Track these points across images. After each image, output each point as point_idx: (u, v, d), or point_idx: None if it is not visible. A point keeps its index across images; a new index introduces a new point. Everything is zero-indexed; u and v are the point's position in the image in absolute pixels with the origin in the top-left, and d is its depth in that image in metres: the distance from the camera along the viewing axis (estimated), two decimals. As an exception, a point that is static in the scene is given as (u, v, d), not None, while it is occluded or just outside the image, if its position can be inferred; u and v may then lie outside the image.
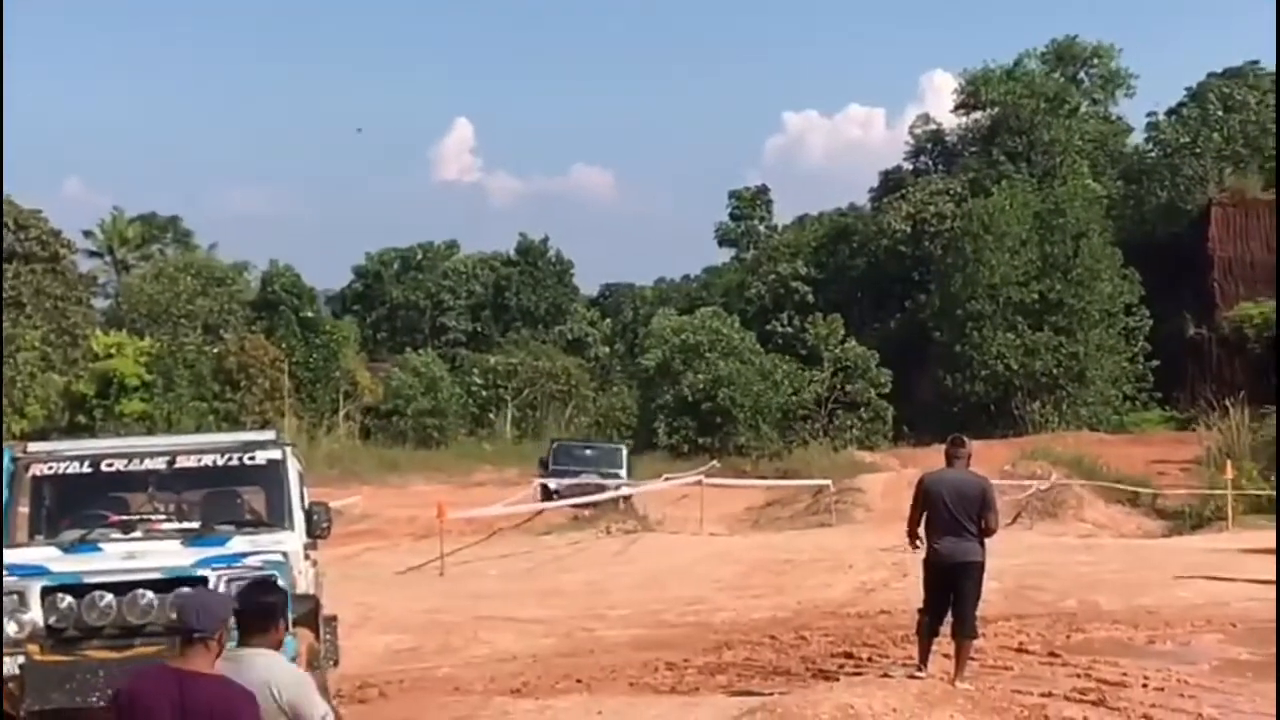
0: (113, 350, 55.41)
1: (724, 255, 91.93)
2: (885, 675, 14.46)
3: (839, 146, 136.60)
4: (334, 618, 12.91)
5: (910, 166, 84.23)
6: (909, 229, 74.12)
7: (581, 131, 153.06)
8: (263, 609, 7.12)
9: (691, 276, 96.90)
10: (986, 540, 13.79)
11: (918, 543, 14.06)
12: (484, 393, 69.90)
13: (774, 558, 28.26)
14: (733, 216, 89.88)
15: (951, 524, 13.58)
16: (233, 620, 6.66)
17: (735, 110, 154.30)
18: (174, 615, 6.92)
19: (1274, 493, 36.24)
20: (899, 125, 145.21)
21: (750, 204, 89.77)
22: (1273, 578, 19.73)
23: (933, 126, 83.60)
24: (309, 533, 12.08)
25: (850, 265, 77.20)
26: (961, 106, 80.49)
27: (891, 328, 72.91)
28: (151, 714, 6.27)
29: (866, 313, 74.01)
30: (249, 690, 6.54)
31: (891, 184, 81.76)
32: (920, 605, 14.11)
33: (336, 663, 12.82)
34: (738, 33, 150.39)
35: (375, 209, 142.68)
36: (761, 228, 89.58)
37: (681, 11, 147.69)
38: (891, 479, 41.09)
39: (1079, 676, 14.38)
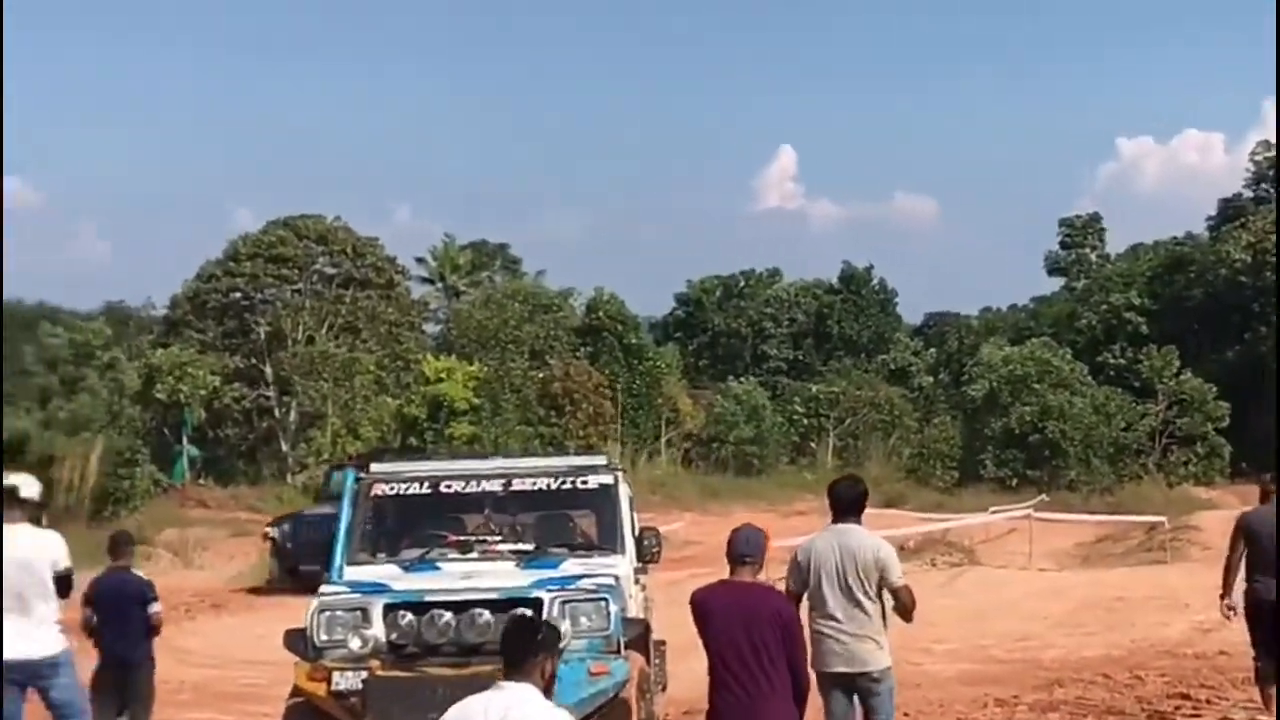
0: (443, 375, 56.73)
1: (1053, 284, 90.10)
2: (1225, 719, 13.97)
3: (1175, 173, 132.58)
4: (663, 642, 12.96)
5: (1251, 194, 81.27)
6: (1249, 259, 71.45)
7: (904, 158, 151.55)
8: (854, 496, 10.29)
9: (1019, 306, 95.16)
10: None
11: (1230, 608, 13.57)
12: (805, 421, 69.77)
13: (1105, 595, 27.56)
14: (1063, 245, 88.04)
15: (1272, 563, 13.13)
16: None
17: (1065, 136, 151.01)
18: (730, 544, 8.94)
19: None
20: (1239, 151, 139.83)
21: (1082, 232, 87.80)
22: None
23: (1275, 153, 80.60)
24: (639, 557, 12.15)
25: (1186, 296, 74.85)
26: (1307, 131, 77.53)
27: (1230, 360, 70.41)
28: (725, 611, 8.59)
29: (1203, 345, 71.61)
30: (780, 591, 9.32)
31: (1231, 212, 79.07)
32: (1253, 653, 13.60)
33: (665, 687, 12.86)
34: (1069, 57, 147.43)
35: (698, 237, 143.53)
36: (1093, 256, 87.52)
37: (1009, 36, 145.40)
38: (1229, 516, 39.64)
39: None
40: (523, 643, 6.39)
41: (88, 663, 12.42)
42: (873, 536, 10.28)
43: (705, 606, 8.74)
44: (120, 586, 13.07)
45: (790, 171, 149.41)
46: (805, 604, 9.96)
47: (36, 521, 10.84)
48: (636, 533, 12.31)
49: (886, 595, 10.02)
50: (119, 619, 12.85)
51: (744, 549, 8.85)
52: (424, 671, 10.24)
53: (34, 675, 10.51)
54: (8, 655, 10.41)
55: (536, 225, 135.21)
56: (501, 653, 6.44)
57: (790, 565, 10.17)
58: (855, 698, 10.08)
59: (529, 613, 9.93)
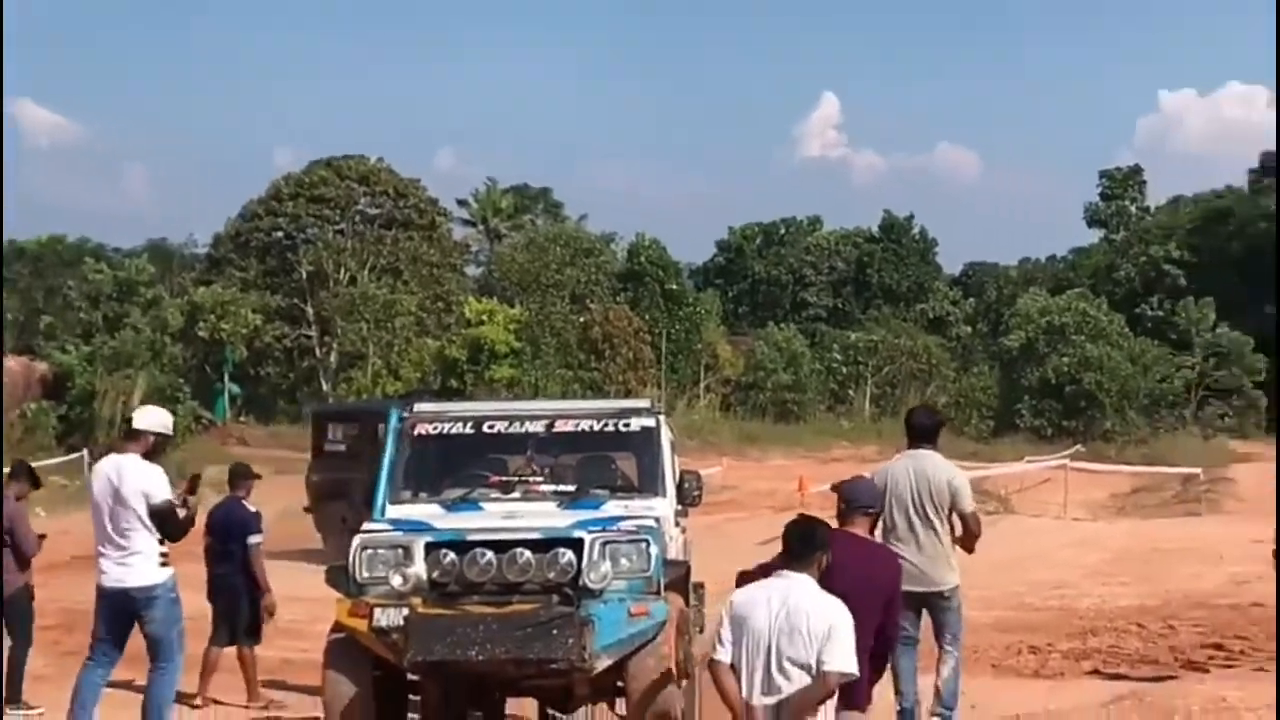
0: (484, 317, 56.91)
1: (1092, 236, 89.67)
2: (1259, 669, 14.05)
3: (1217, 125, 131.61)
4: (702, 585, 13.08)
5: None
6: (1290, 211, 71.21)
7: (947, 109, 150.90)
8: (930, 424, 10.92)
9: (1058, 257, 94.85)
10: None
11: None
12: (844, 369, 69.78)
13: (1140, 545, 27.62)
14: (1103, 197, 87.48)
15: None
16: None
17: (1106, 89, 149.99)
18: (851, 493, 8.79)
19: None
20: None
21: (1122, 184, 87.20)
22: None
23: (1275, 146, 79.85)
24: (680, 500, 12.23)
25: (1226, 249, 74.43)
26: (1350, 83, 76.90)
27: (1268, 314, 70.04)
28: (840, 564, 7.87)
29: (1242, 298, 71.20)
30: (889, 550, 9.44)
31: (1273, 165, 78.54)
32: None
33: (702, 629, 12.96)
34: (1112, 8, 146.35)
35: (739, 184, 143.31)
36: (1133, 209, 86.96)
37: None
38: (1265, 469, 39.61)
39: None
40: (804, 539, 7.36)
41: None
42: (947, 463, 10.82)
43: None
44: (226, 517, 13.85)
45: (833, 120, 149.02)
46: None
47: (151, 455, 11.01)
48: (677, 476, 12.37)
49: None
50: (223, 548, 13.42)
51: (867, 499, 8.81)
52: (465, 609, 10.32)
53: (129, 604, 10.78)
54: (107, 583, 10.74)
55: (579, 170, 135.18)
56: (784, 547, 7.39)
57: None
58: (923, 617, 10.77)
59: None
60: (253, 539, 13.76)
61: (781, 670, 7.05)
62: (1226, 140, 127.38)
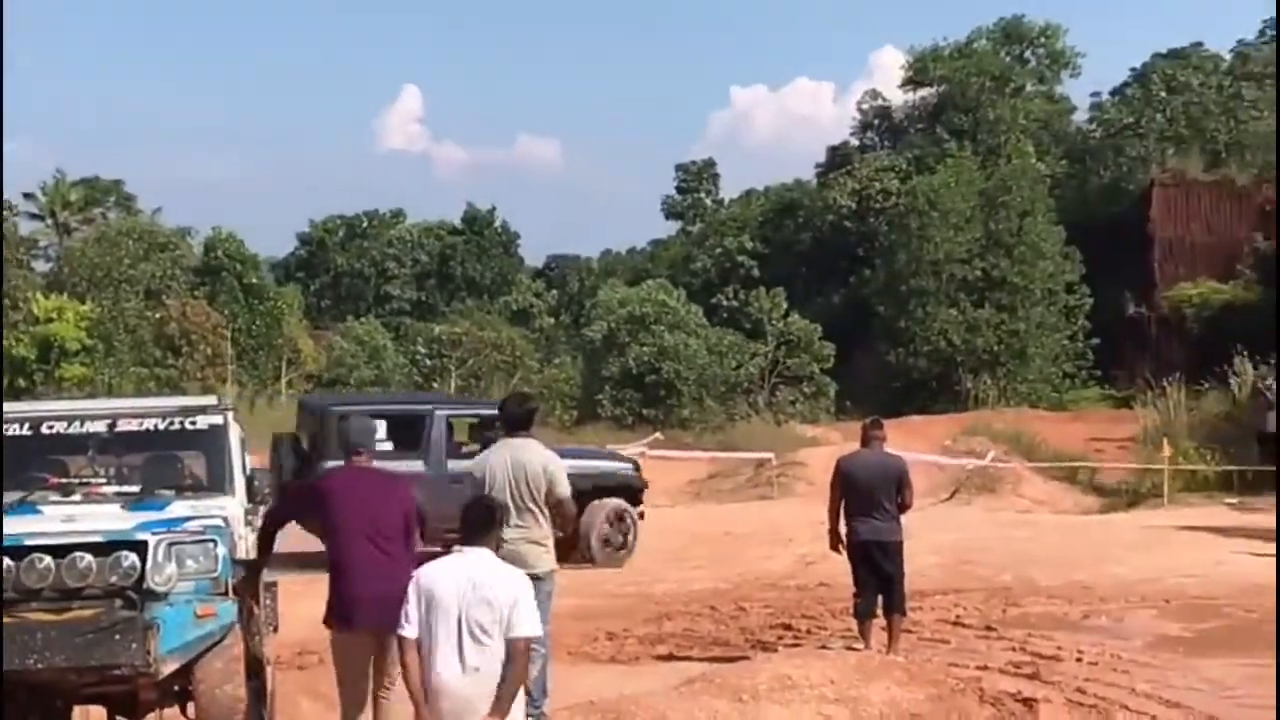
0: (53, 314, 55.01)
1: (670, 228, 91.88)
2: (823, 647, 14.63)
3: (786, 121, 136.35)
4: (274, 584, 12.87)
5: (857, 142, 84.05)
6: (854, 205, 74.19)
7: (528, 102, 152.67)
8: (524, 412, 11.29)
9: (638, 249, 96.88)
10: (904, 517, 14.14)
11: (840, 544, 14.29)
12: (428, 362, 69.73)
13: (715, 530, 28.38)
14: (679, 190, 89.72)
15: (870, 505, 13.99)
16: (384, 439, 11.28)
17: (683, 83, 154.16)
18: (343, 436, 10.36)
19: (1210, 471, 36.60)
20: (847, 101, 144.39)
21: (697, 177, 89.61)
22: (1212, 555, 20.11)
23: (880, 103, 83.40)
24: (250, 498, 12.03)
25: (795, 240, 77.26)
26: (909, 83, 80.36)
27: (835, 303, 72.93)
28: (348, 495, 9.87)
29: (811, 288, 73.94)
30: (398, 475, 11.02)
31: (838, 160, 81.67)
32: (853, 589, 14.32)
33: (276, 628, 12.79)
34: (686, 4, 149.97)
35: (321, 177, 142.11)
36: (708, 201, 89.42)
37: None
38: (833, 453, 40.76)
39: (1014, 650, 14.55)
40: (481, 517, 8.04)
41: None
42: (544, 450, 11.18)
43: (328, 490, 10.10)
44: None
45: (415, 112, 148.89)
46: None
47: None
48: (248, 473, 12.18)
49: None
50: None
51: (358, 440, 10.15)
52: (23, 617, 9.97)
53: None
54: None
55: (154, 162, 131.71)
56: (462, 525, 7.98)
57: (467, 478, 11.23)
58: None
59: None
60: None
61: (474, 638, 7.55)
62: (795, 135, 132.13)
